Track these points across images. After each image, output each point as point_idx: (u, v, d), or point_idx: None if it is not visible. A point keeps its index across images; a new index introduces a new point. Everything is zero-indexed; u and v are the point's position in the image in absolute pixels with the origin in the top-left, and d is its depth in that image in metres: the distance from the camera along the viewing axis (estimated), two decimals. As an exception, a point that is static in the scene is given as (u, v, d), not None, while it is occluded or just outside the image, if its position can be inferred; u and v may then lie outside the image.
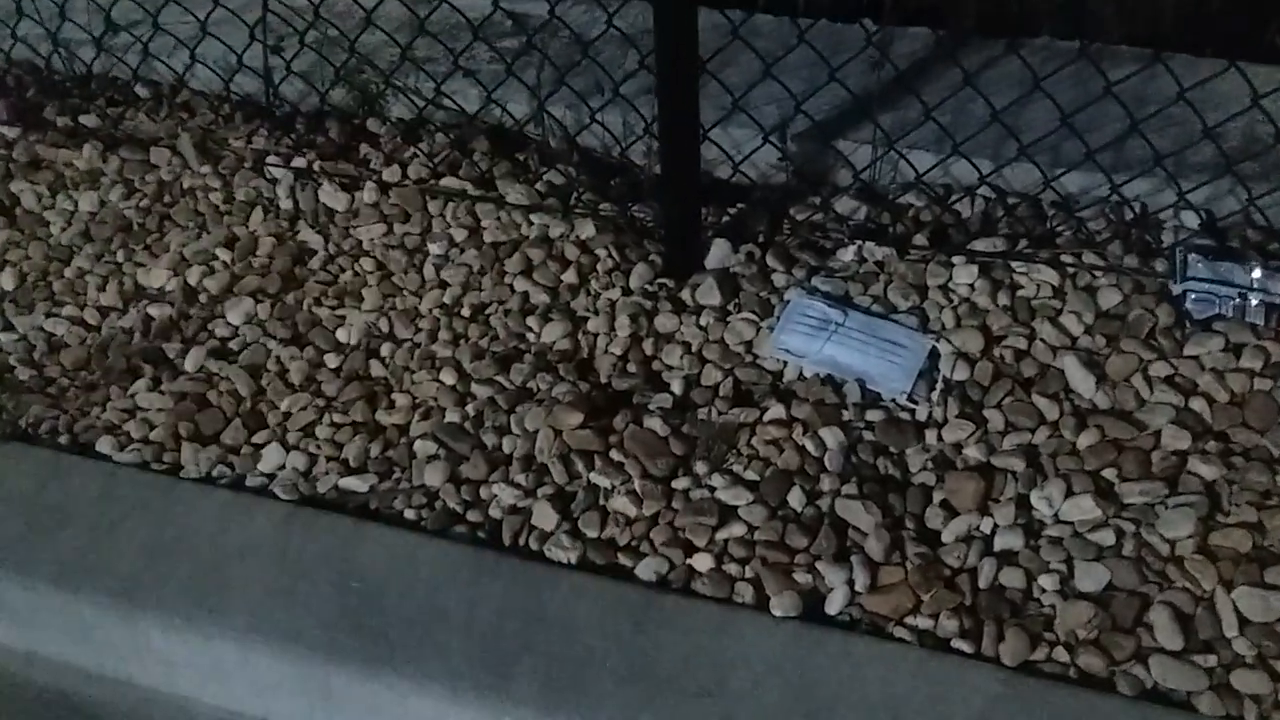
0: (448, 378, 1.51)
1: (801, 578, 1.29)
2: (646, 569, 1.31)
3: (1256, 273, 1.47)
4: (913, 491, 1.35)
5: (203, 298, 1.67)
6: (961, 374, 1.45)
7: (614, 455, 1.41)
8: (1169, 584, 1.26)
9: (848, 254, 1.60)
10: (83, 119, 1.95)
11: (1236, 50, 1.48)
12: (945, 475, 1.36)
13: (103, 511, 1.41)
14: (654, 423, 1.42)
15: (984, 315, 1.50)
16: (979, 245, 1.57)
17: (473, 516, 1.38)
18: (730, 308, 1.56)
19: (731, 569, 1.31)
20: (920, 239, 1.60)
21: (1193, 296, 1.47)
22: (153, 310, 1.65)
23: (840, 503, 1.34)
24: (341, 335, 1.60)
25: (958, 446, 1.39)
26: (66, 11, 1.94)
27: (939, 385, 1.45)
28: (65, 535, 1.40)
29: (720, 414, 1.44)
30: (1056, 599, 1.25)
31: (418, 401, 1.51)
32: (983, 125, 1.54)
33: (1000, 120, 1.51)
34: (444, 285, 1.64)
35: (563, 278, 1.62)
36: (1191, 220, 1.57)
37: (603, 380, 1.50)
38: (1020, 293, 1.53)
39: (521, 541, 1.35)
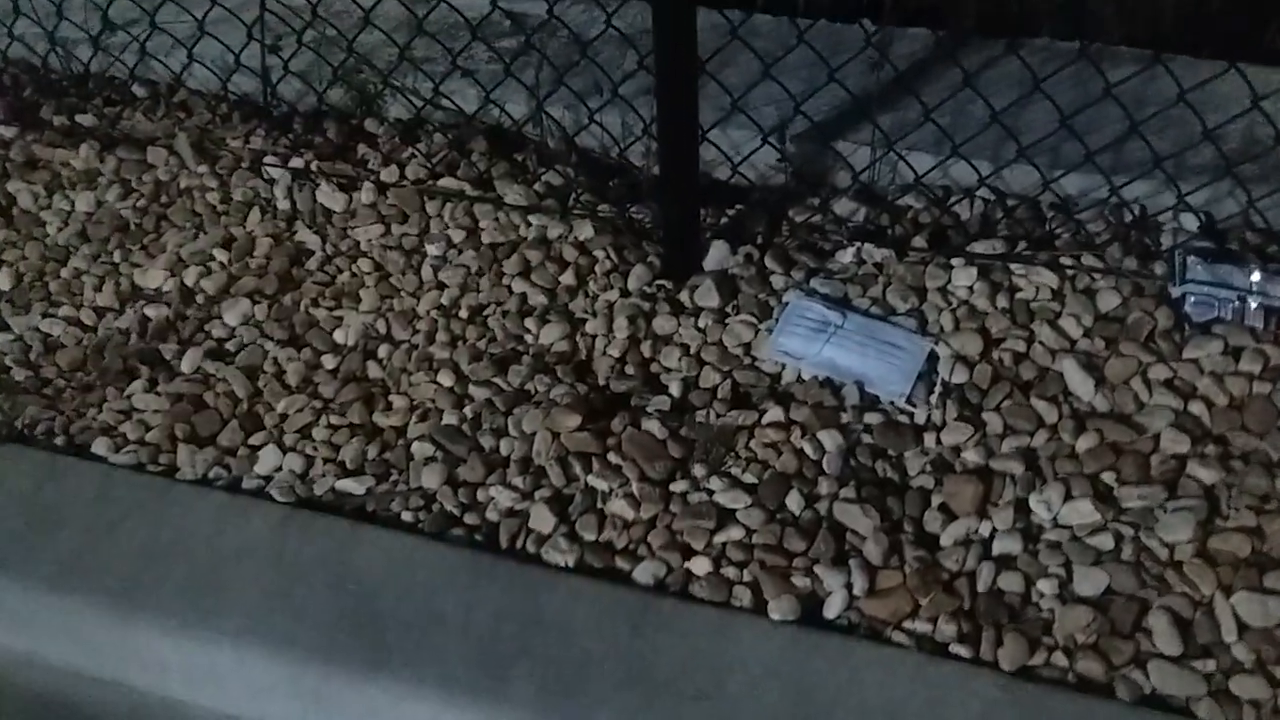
0: (445, 379, 1.51)
1: (799, 581, 1.29)
2: (644, 572, 1.31)
3: (1256, 275, 1.47)
4: (911, 495, 1.35)
5: (200, 298, 1.67)
6: (960, 377, 1.45)
7: (612, 458, 1.40)
8: (1168, 589, 1.25)
9: (846, 256, 1.60)
10: (80, 118, 1.95)
11: (1236, 51, 1.48)
12: (944, 478, 1.35)
13: (99, 513, 1.41)
14: (652, 425, 1.42)
15: (983, 318, 1.50)
16: (978, 247, 1.57)
17: (470, 519, 1.38)
18: (729, 309, 1.55)
19: (729, 572, 1.30)
20: (919, 241, 1.59)
21: (1192, 299, 1.46)
22: (149, 311, 1.65)
23: (838, 506, 1.34)
24: (339, 336, 1.60)
25: (956, 449, 1.39)
26: (64, 10, 1.93)
27: (938, 388, 1.44)
28: (61, 537, 1.39)
29: (718, 416, 1.44)
30: (1055, 603, 1.25)
31: (415, 403, 1.50)
32: (982, 126, 1.54)
33: (999, 121, 1.51)
34: (442, 286, 1.64)
35: (561, 279, 1.61)
36: (1191, 223, 1.57)
37: (601, 382, 1.49)
38: (1019, 295, 1.52)
39: (519, 544, 1.35)
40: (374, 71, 1.82)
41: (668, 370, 1.50)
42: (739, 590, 1.28)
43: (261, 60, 1.85)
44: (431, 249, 1.68)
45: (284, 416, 1.51)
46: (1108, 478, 1.34)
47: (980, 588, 1.27)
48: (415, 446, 1.45)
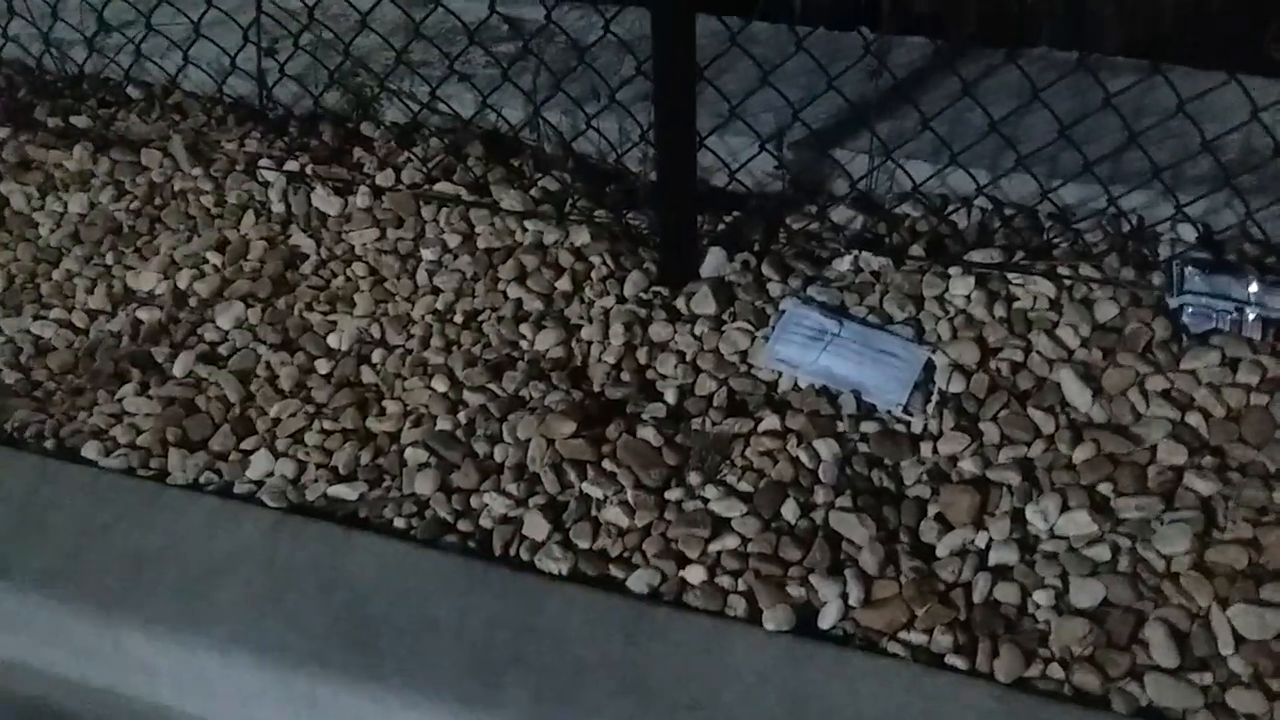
0: (439, 385, 1.50)
1: (795, 591, 1.28)
2: (638, 581, 1.30)
3: (1253, 287, 1.46)
4: (907, 504, 1.34)
5: (192, 301, 1.66)
6: (957, 386, 1.44)
7: (606, 465, 1.39)
8: (1164, 600, 1.25)
9: (844, 264, 1.59)
10: (74, 120, 1.94)
11: (1235, 62, 1.48)
12: (940, 488, 1.35)
13: (89, 518, 1.39)
14: (647, 433, 1.41)
15: (980, 327, 1.49)
16: (976, 256, 1.57)
17: (463, 526, 1.37)
18: (725, 317, 1.55)
19: (724, 581, 1.29)
20: (917, 249, 1.59)
21: (1189, 310, 1.46)
22: (142, 314, 1.64)
23: (834, 515, 1.33)
24: (333, 341, 1.59)
25: (953, 459, 1.38)
26: (59, 11, 1.92)
27: (934, 397, 1.44)
28: (49, 541, 1.38)
29: (714, 424, 1.43)
30: (1051, 615, 1.24)
31: (409, 409, 1.49)
32: (980, 135, 1.53)
33: (998, 130, 1.50)
34: (437, 291, 1.63)
35: (556, 285, 1.61)
36: (1189, 233, 1.57)
37: (596, 389, 1.48)
38: (1016, 304, 1.52)
39: (512, 552, 1.34)
40: (370, 75, 1.81)
41: (663, 377, 1.50)
42: (734, 599, 1.28)
43: (257, 63, 1.84)
44: (427, 254, 1.67)
45: (276, 421, 1.50)
46: (1104, 489, 1.34)
47: (976, 598, 1.26)
48: (409, 452, 1.44)
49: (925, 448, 1.39)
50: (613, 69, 1.74)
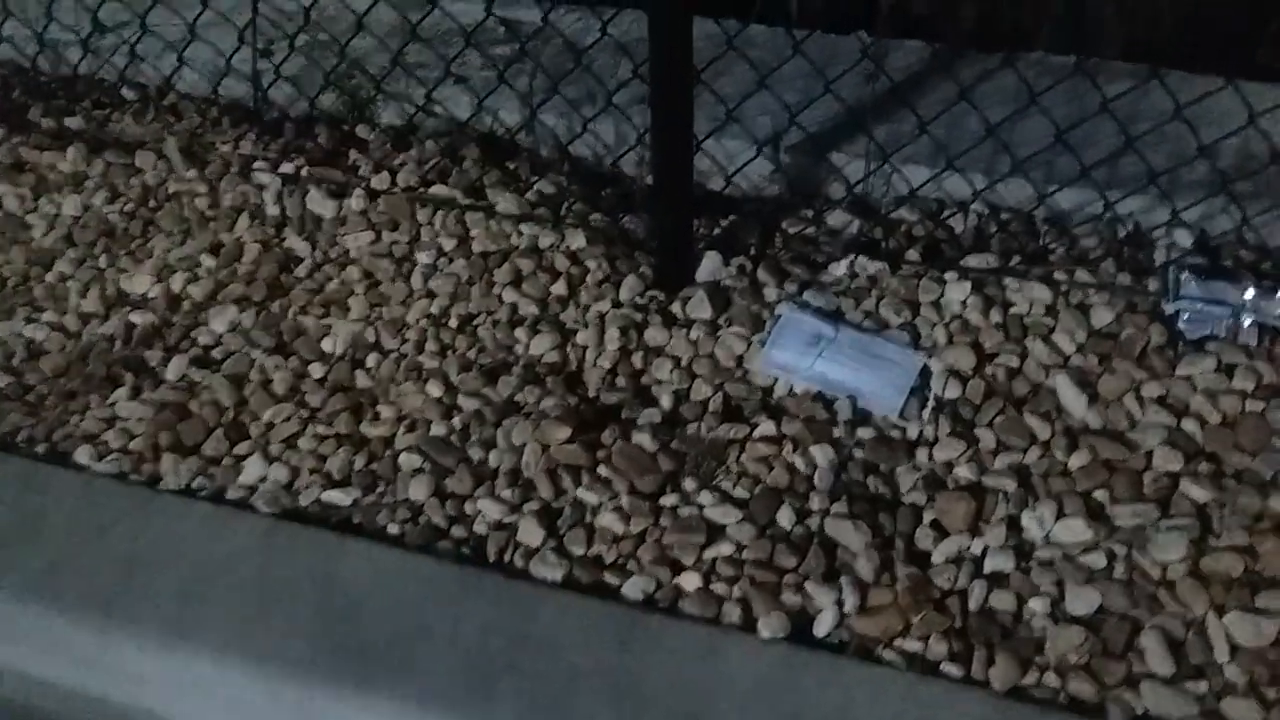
0: (434, 390, 1.49)
1: (790, 598, 1.27)
2: (633, 587, 1.29)
3: (1249, 292, 1.46)
4: (903, 511, 1.34)
5: (186, 305, 1.65)
6: (953, 392, 1.44)
7: (601, 471, 1.39)
8: (1160, 608, 1.24)
9: (840, 268, 1.59)
10: (68, 121, 1.93)
11: (1232, 66, 1.48)
12: (936, 495, 1.34)
13: (80, 523, 1.39)
14: (642, 438, 1.40)
15: (976, 332, 1.49)
16: (972, 261, 1.56)
17: (457, 532, 1.36)
18: (721, 321, 1.54)
19: (719, 588, 1.29)
20: (913, 254, 1.59)
21: (1185, 316, 1.46)
22: (135, 317, 1.63)
23: (830, 522, 1.32)
24: (327, 345, 1.58)
25: (949, 465, 1.38)
26: (53, 11, 1.91)
27: (930, 403, 1.43)
28: (40, 547, 1.37)
29: (710, 430, 1.42)
30: (1047, 622, 1.24)
31: (403, 414, 1.49)
32: (977, 140, 1.53)
33: (995, 135, 1.50)
34: (431, 295, 1.62)
35: (552, 289, 1.60)
36: (1185, 239, 1.57)
37: (591, 394, 1.48)
38: (1012, 310, 1.51)
39: (506, 558, 1.33)
40: (366, 77, 1.81)
41: (659, 382, 1.49)
42: (729, 607, 1.27)
43: (253, 64, 1.84)
44: (422, 257, 1.66)
45: (270, 426, 1.49)
46: (1100, 495, 1.33)
47: (972, 606, 1.26)
48: (403, 458, 1.43)
49: (921, 454, 1.39)
50: (609, 72, 1.74)
